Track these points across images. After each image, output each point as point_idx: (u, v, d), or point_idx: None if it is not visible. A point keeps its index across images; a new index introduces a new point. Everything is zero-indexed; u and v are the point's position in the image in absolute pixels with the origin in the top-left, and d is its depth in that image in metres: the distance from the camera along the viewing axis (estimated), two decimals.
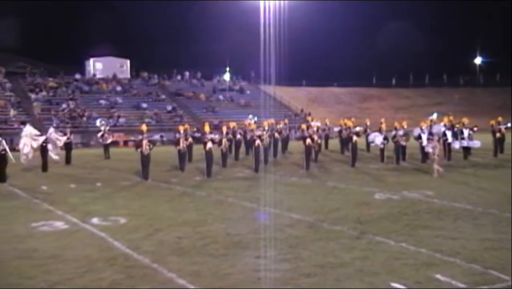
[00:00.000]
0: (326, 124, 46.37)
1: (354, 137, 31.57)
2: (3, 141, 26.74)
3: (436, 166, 24.98)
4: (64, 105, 65.85)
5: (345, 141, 37.68)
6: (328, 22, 77.62)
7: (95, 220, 15.81)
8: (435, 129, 30.50)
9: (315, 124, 41.81)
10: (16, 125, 57.51)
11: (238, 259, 11.25)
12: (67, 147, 36.25)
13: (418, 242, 12.30)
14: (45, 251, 12.29)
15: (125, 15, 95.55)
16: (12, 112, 61.41)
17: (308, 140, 30.37)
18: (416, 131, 32.23)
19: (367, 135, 38.23)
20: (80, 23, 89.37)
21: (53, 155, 29.81)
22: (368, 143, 37.83)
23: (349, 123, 38.64)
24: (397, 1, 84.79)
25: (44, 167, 30.74)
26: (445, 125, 32.79)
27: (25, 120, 27.20)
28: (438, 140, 26.93)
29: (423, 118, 37.66)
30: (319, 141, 35.59)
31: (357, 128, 37.47)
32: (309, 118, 59.36)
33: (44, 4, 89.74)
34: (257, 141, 29.53)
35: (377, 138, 33.45)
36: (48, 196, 21.12)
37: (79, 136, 55.92)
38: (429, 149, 28.61)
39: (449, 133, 31.59)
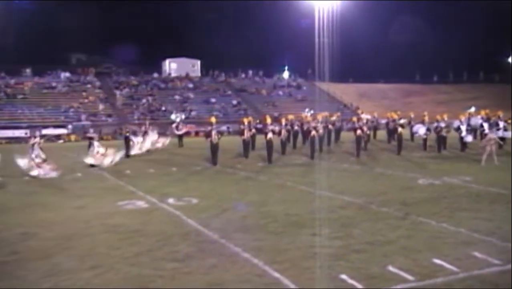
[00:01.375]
0: (374, 117, 46.04)
1: (400, 129, 31.43)
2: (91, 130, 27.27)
3: (485, 157, 24.33)
4: (144, 100, 66.83)
5: (392, 132, 37.38)
6: (375, 23, 76.35)
7: (171, 200, 16.04)
8: (473, 121, 30.03)
9: (365, 116, 41.63)
10: (103, 118, 58.79)
11: (295, 236, 11.29)
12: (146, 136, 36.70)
13: (457, 223, 12.14)
14: (129, 226, 12.57)
15: (196, 21, 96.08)
16: (101, 106, 62.77)
17: (359, 131, 30.23)
18: (456, 123, 32.12)
19: (411, 127, 37.96)
20: (157, 29, 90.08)
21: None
22: (412, 134, 37.38)
23: (395, 116, 38.52)
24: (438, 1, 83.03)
25: (128, 154, 31.23)
26: (482, 118, 32.28)
27: (92, 137, 26.96)
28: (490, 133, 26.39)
29: (461, 111, 36.95)
30: (368, 132, 35.35)
31: (402, 121, 37.22)
32: (359, 111, 59.05)
33: (127, 14, 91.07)
34: (313, 132, 29.42)
35: (420, 130, 33.20)
36: (131, 179, 21.49)
37: (156, 127, 56.56)
38: (467, 139, 28.16)
39: (486, 125, 31.03)
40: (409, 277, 8.56)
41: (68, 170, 24.77)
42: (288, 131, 33.54)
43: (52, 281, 8.64)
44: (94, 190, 18.74)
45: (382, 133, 42.82)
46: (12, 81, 69.91)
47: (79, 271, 9.15)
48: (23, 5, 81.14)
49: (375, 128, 43.66)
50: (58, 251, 10.47)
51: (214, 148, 26.19)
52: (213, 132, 26.44)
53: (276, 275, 8.75)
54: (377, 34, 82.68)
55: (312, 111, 47.68)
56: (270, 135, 27.44)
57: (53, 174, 22.58)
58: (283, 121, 32.20)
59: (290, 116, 38.96)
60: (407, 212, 13.67)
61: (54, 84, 71.04)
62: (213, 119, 28.76)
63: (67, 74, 75.67)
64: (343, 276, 8.60)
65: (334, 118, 41.74)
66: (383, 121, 45.21)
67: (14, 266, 9.56)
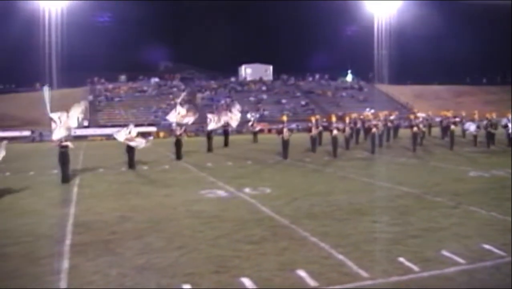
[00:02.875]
0: (429, 115, 45.29)
1: (452, 126, 31.01)
2: (180, 128, 27.79)
3: None
4: (222, 102, 67.48)
5: (445, 129, 36.68)
6: (430, 29, 74.65)
7: (247, 190, 16.13)
8: None
9: (420, 115, 40.89)
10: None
11: (358, 223, 11.20)
12: (225, 133, 37.11)
13: (505, 212, 11.77)
14: (210, 212, 12.73)
15: (268, 30, 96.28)
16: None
17: (415, 128, 29.78)
18: (504, 121, 31.46)
19: (462, 124, 37.08)
20: (234, 38, 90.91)
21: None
22: (463, 131, 36.46)
23: (448, 114, 37.83)
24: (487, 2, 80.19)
25: (209, 149, 31.65)
26: None
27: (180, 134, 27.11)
28: None
29: (508, 110, 35.79)
30: (423, 129, 34.72)
31: (455, 119, 36.45)
32: (415, 110, 57.88)
33: (207, 26, 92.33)
34: (374, 129, 29.19)
35: (471, 127, 32.45)
36: (212, 171, 21.74)
37: None
38: None
39: None
40: (461, 260, 8.39)
41: (157, 163, 25.32)
42: (351, 128, 33.25)
43: (144, 258, 8.86)
44: (180, 180, 19.06)
45: (436, 130, 41.98)
46: (110, 86, 72.18)
47: (167, 250, 9.34)
48: (117, 22, 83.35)
49: (430, 126, 42.82)
50: (149, 232, 10.72)
51: (285, 144, 26.19)
52: (285, 130, 26.46)
53: (341, 257, 8.71)
54: (431, 39, 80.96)
55: (372, 111, 47.27)
56: (335, 132, 27.28)
57: (143, 143, 23.28)
58: (347, 119, 32.01)
59: (353, 115, 38.66)
60: (459, 201, 13.35)
61: (145, 88, 72.86)
62: (284, 118, 28.82)
63: (156, 79, 77.58)
64: (401, 259, 8.48)
65: (392, 116, 41.24)
66: (437, 119, 44.46)
67: (114, 244, 9.86)
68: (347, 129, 30.91)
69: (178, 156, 26.94)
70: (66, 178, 19.13)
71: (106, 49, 79.89)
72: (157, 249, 9.44)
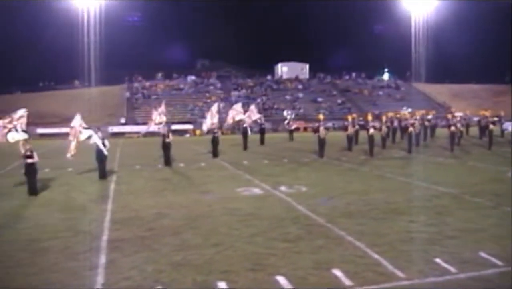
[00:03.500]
0: (466, 114, 44.97)
1: (491, 126, 30.63)
2: (218, 130, 27.99)
3: None
4: (259, 100, 67.64)
5: (483, 129, 36.14)
6: (468, 27, 73.50)
7: (283, 188, 16.12)
8: None
9: (458, 114, 40.42)
10: (224, 115, 60.01)
11: (394, 222, 11.10)
12: (261, 131, 37.21)
13: None
14: (246, 209, 12.77)
15: (304, 29, 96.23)
16: (221, 105, 64.03)
17: (452, 128, 29.43)
18: None
19: (501, 124, 36.54)
20: (271, 36, 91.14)
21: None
22: (502, 131, 35.98)
23: (486, 114, 37.23)
24: None
25: (245, 147, 31.75)
26: None
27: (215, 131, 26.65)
28: None
29: None
30: (461, 128, 34.33)
31: (494, 118, 35.92)
32: (452, 109, 57.12)
33: (244, 22, 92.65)
34: (410, 128, 28.91)
35: (510, 127, 32.05)
36: (248, 169, 21.80)
37: (270, 123, 57.10)
38: None
39: None
40: (499, 262, 8.25)
41: (194, 160, 25.51)
42: (387, 127, 33.06)
43: (181, 255, 8.94)
44: (216, 178, 19.14)
45: (474, 130, 41.33)
46: (147, 84, 72.96)
47: (203, 247, 9.41)
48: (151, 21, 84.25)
49: (468, 125, 42.42)
50: (186, 229, 10.82)
51: (322, 142, 26.11)
52: (321, 128, 26.38)
53: (376, 256, 8.65)
54: (469, 38, 79.67)
55: (409, 109, 46.84)
56: (371, 131, 27.13)
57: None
58: (383, 118, 31.83)
59: (390, 114, 38.42)
60: (498, 202, 13.11)
61: (182, 86, 73.52)
62: (321, 116, 28.80)
63: (193, 77, 78.19)
64: (438, 260, 8.38)
65: (429, 116, 40.84)
66: (476, 118, 43.86)
67: (151, 240, 9.98)
68: (384, 128, 30.72)
69: (215, 154, 27.09)
70: (103, 175, 19.44)
71: (143, 47, 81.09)
72: (193, 246, 9.51)
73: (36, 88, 77.69)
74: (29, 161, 15.75)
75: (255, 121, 37.17)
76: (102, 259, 8.80)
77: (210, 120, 29.12)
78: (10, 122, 16.81)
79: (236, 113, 34.11)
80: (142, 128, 53.37)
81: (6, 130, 16.63)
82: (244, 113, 34.74)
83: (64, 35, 64.02)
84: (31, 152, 15.92)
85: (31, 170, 15.76)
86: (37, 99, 66.84)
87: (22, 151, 16.03)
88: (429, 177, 18.06)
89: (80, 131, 19.80)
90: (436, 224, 10.85)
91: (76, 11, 60.78)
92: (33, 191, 15.70)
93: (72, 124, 20.13)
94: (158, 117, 26.60)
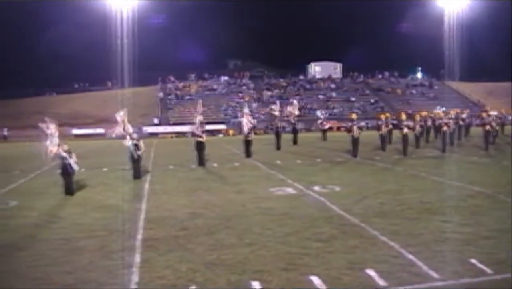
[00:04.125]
0: (501, 113, 44.25)
1: None
2: (252, 131, 28.01)
3: None
4: (291, 100, 67.56)
5: None
6: (502, 24, 72.08)
7: (316, 188, 16.08)
8: None
9: (493, 113, 39.79)
10: (256, 115, 60.24)
11: (428, 222, 10.99)
12: (294, 131, 37.17)
13: None
14: (279, 209, 12.79)
15: (337, 28, 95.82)
16: (254, 105, 64.22)
17: (487, 126, 29.11)
18: None
19: None
20: (303, 35, 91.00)
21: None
22: None
23: None
24: None
25: (278, 147, 31.77)
26: None
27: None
28: None
29: None
30: (496, 127, 33.78)
31: None
32: (487, 108, 56.21)
33: (277, 25, 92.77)
34: (444, 127, 28.54)
35: None
36: (281, 169, 21.77)
37: (303, 123, 57.02)
38: None
39: None
40: None
41: (227, 160, 25.63)
42: (421, 126, 32.69)
43: (215, 254, 9.01)
44: (249, 178, 19.20)
45: (509, 129, 40.45)
46: (181, 85, 73.59)
47: (237, 247, 9.47)
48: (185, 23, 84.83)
49: (503, 124, 41.82)
50: (219, 229, 10.88)
51: (355, 141, 25.98)
52: (355, 128, 26.26)
53: (411, 257, 8.58)
54: (504, 35, 78.21)
55: (443, 108, 46.23)
56: (405, 130, 26.89)
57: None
58: (417, 117, 31.50)
59: (423, 113, 37.96)
60: None
61: (215, 86, 73.97)
62: (354, 116, 28.68)
63: (226, 78, 78.62)
64: (473, 261, 8.27)
65: (464, 114, 40.29)
66: (510, 117, 43.08)
67: (185, 240, 10.07)
68: (417, 128, 30.40)
69: (248, 154, 27.17)
70: (137, 175, 19.66)
71: (176, 48, 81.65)
72: (227, 246, 9.57)
73: (71, 89, 79.11)
74: (66, 161, 15.99)
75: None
76: (137, 258, 8.92)
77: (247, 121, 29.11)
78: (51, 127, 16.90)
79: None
80: (184, 128, 53.87)
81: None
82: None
83: (98, 37, 64.93)
84: (69, 152, 16.18)
85: (68, 170, 16.01)
86: (71, 101, 68.14)
87: (61, 152, 16.11)
88: (463, 176, 17.82)
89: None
90: (471, 224, 10.71)
91: (109, 13, 61.56)
92: (69, 190, 15.98)
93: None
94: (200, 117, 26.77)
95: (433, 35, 71.35)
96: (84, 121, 60.71)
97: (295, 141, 36.03)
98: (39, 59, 79.64)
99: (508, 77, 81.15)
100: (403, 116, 31.27)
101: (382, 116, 31.16)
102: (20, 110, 66.42)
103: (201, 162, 23.70)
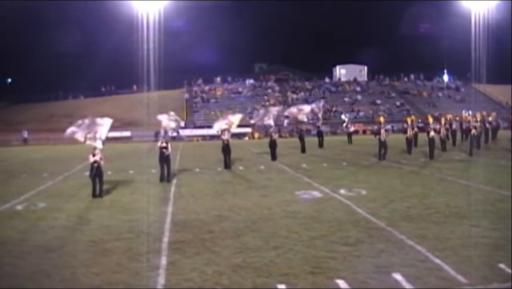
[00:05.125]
0: None
1: None
2: (277, 131, 28.03)
3: None
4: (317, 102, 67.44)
5: None
6: None
7: (342, 191, 16.01)
8: None
9: None
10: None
11: (456, 227, 10.87)
12: (319, 134, 37.10)
13: None
14: (305, 213, 12.77)
15: (362, 30, 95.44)
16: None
17: None
18: None
19: None
20: (329, 38, 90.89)
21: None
22: None
23: None
24: None
25: (303, 150, 31.73)
26: None
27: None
28: None
29: None
30: None
31: None
32: None
33: (301, 25, 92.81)
34: (473, 130, 28.21)
35: None
36: (307, 172, 21.73)
37: (328, 126, 56.85)
38: None
39: None
40: None
41: (253, 163, 25.68)
42: (447, 129, 32.35)
43: (241, 257, 9.03)
44: (275, 181, 19.19)
45: None
46: (207, 88, 73.99)
47: (263, 250, 9.47)
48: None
49: None
50: (246, 232, 10.91)
51: (382, 144, 25.81)
52: (382, 130, 26.09)
53: (438, 261, 8.49)
54: None
55: (470, 111, 45.70)
56: (432, 133, 26.58)
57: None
58: (443, 120, 31.06)
59: (449, 116, 37.51)
60: None
61: (240, 89, 74.22)
62: (381, 119, 28.50)
63: (251, 81, 78.78)
64: (501, 265, 8.15)
65: (491, 117, 39.72)
66: None
67: (211, 242, 10.11)
68: (443, 130, 30.05)
69: (273, 157, 27.18)
70: (164, 177, 19.78)
71: (201, 51, 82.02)
72: (253, 249, 9.59)
73: (98, 93, 79.98)
74: (96, 164, 16.16)
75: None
76: (163, 261, 8.99)
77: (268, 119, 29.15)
78: (91, 127, 17.17)
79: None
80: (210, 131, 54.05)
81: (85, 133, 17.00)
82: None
83: (124, 40, 65.63)
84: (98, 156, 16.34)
85: (97, 173, 16.20)
86: (99, 104, 68.85)
87: (91, 157, 16.34)
88: (491, 180, 17.55)
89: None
90: (500, 229, 10.55)
91: (135, 16, 62.12)
92: (98, 193, 16.17)
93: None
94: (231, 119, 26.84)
95: (460, 36, 70.59)
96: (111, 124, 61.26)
97: (320, 145, 35.93)
98: (67, 63, 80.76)
99: None
100: (430, 119, 30.92)
101: (408, 119, 30.86)
102: (50, 112, 67.57)
103: (228, 165, 23.78)
